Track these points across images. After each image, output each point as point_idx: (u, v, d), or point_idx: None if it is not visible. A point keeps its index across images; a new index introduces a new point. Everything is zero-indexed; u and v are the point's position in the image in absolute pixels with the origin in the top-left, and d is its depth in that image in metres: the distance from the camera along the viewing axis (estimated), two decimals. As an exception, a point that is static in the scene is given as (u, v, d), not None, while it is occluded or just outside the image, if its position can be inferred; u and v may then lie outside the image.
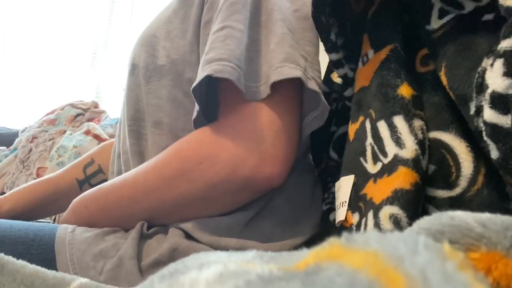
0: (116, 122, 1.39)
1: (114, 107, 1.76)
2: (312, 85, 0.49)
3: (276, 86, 0.48)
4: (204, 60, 0.48)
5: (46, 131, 1.33)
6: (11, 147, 1.35)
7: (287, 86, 0.49)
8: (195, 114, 0.50)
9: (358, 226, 0.42)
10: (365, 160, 0.43)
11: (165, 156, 0.51)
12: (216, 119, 0.52)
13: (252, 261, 0.19)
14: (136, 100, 0.63)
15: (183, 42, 0.59)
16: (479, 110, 0.32)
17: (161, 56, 0.60)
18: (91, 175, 0.80)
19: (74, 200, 0.58)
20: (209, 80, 0.47)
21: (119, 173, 0.68)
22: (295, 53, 0.50)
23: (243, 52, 0.49)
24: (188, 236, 0.50)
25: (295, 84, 0.49)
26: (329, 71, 0.62)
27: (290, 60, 0.49)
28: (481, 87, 0.31)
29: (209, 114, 0.53)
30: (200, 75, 0.47)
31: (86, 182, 0.79)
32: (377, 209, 0.37)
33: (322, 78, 0.62)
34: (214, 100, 0.53)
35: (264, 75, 0.49)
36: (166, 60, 0.60)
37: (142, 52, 0.62)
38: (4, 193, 1.17)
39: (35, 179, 1.19)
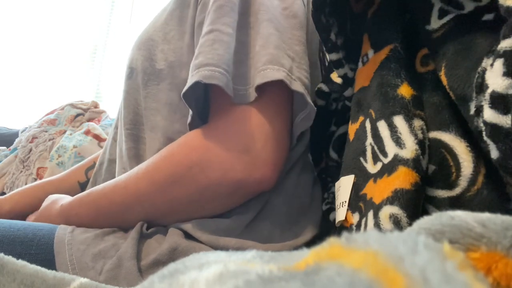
0: (116, 122, 1.39)
1: (114, 107, 1.76)
2: (297, 86, 0.48)
3: (264, 88, 0.48)
4: (193, 65, 0.48)
5: (46, 131, 1.33)
6: (11, 147, 1.35)
7: (274, 88, 0.49)
8: (189, 118, 0.50)
9: (358, 226, 0.42)
10: (365, 160, 0.43)
11: (156, 161, 0.51)
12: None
13: (252, 261, 0.19)
14: (135, 103, 0.63)
15: (181, 44, 0.59)
16: (479, 110, 0.32)
17: (159, 60, 0.60)
18: None
19: (62, 205, 0.57)
20: (200, 83, 0.47)
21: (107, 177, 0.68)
22: (280, 54, 0.50)
23: (231, 56, 0.49)
24: (188, 236, 0.50)
25: (282, 86, 0.49)
26: (329, 71, 0.62)
27: (274, 61, 0.48)
28: (481, 87, 0.31)
29: (205, 116, 0.53)
30: (190, 80, 0.47)
31: (87, 184, 0.79)
32: (377, 209, 0.37)
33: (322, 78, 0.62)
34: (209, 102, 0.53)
35: (252, 78, 0.49)
36: (164, 63, 0.59)
37: (139, 56, 0.62)
38: (4, 193, 1.17)
39: (35, 179, 1.19)
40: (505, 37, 0.29)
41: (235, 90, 0.48)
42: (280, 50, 0.50)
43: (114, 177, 0.65)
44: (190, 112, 0.50)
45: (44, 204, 0.62)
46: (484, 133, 0.30)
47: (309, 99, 0.49)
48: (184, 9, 0.60)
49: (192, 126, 0.51)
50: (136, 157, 0.61)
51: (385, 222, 0.36)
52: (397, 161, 0.37)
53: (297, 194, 0.56)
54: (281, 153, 0.50)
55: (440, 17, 0.38)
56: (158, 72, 0.60)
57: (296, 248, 0.52)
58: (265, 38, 0.51)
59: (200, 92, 0.52)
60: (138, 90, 0.62)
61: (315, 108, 0.50)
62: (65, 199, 0.60)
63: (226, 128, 0.48)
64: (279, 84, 0.48)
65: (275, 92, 0.50)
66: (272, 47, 0.50)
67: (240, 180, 0.47)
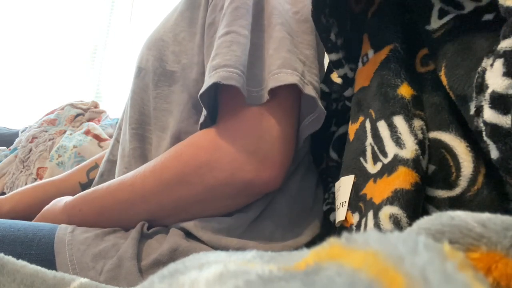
0: (116, 122, 1.39)
1: (114, 107, 1.76)
2: (309, 90, 0.49)
3: (275, 91, 0.48)
4: (211, 66, 0.48)
5: (46, 131, 1.33)
6: (11, 147, 1.35)
7: (285, 91, 0.49)
8: (202, 118, 0.51)
9: (358, 226, 0.42)
10: (365, 160, 0.43)
11: (164, 160, 0.51)
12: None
13: (252, 261, 0.19)
14: (142, 103, 0.63)
15: (192, 45, 0.59)
16: (479, 110, 0.32)
17: (170, 61, 0.60)
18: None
19: (66, 202, 0.57)
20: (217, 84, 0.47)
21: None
22: (292, 57, 0.50)
23: (247, 57, 0.49)
24: (189, 235, 0.50)
25: (293, 89, 0.49)
26: (329, 71, 0.62)
27: (287, 65, 0.49)
28: (481, 87, 0.31)
29: (214, 117, 0.53)
30: (207, 81, 0.47)
31: (89, 185, 0.79)
32: (377, 209, 0.37)
33: (322, 78, 0.62)
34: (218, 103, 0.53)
35: (264, 81, 0.50)
36: (178, 66, 0.60)
37: (149, 56, 0.62)
38: (4, 193, 1.17)
39: (35, 179, 1.19)
40: (505, 37, 0.29)
41: (248, 91, 0.48)
42: (293, 54, 0.51)
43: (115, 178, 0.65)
44: (204, 112, 0.50)
45: (46, 207, 0.62)
46: (484, 133, 0.30)
47: (320, 103, 0.50)
48: (195, 10, 0.61)
49: (203, 126, 0.52)
50: (142, 157, 0.61)
51: (385, 222, 0.36)
52: (397, 161, 0.37)
53: (301, 195, 0.56)
54: (287, 154, 0.50)
55: (440, 17, 0.38)
56: (170, 73, 0.60)
57: (297, 248, 0.52)
58: (278, 41, 0.51)
59: (211, 93, 0.53)
60: (145, 90, 0.62)
61: (325, 112, 0.50)
62: (68, 197, 0.60)
63: (236, 129, 0.49)
64: (289, 88, 0.48)
65: (284, 95, 0.50)
66: (285, 51, 0.50)
67: (248, 181, 0.47)
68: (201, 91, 0.48)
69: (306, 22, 0.57)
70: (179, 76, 0.59)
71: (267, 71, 0.50)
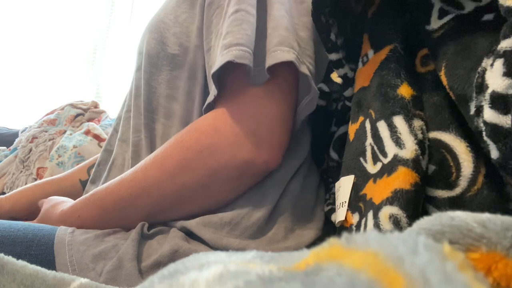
0: (116, 122, 1.39)
1: (114, 107, 1.76)
2: (304, 69, 0.49)
3: (274, 72, 0.48)
4: (223, 44, 0.48)
5: (46, 131, 1.33)
6: (11, 147, 1.35)
7: (284, 72, 0.50)
8: (212, 98, 0.51)
9: (358, 226, 0.42)
10: (365, 160, 0.43)
11: (165, 149, 0.51)
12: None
13: (252, 261, 0.19)
14: (145, 91, 0.62)
15: (192, 27, 0.59)
16: (479, 110, 0.31)
17: (171, 43, 0.60)
18: None
19: (62, 210, 0.56)
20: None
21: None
22: (290, 36, 0.50)
23: (254, 37, 0.49)
24: (189, 236, 0.50)
25: (291, 69, 0.50)
26: (329, 71, 0.62)
27: (285, 43, 0.49)
28: (481, 87, 0.31)
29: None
30: (220, 60, 0.47)
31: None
32: (377, 209, 0.37)
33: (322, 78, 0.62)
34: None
35: (264, 60, 0.50)
36: (179, 49, 0.60)
37: (151, 39, 0.62)
38: (4, 193, 1.17)
39: (35, 179, 1.19)
40: (505, 37, 0.29)
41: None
42: (290, 32, 0.51)
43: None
44: (214, 92, 0.50)
45: (45, 206, 0.62)
46: (484, 133, 0.30)
47: (313, 83, 0.50)
48: None
49: (210, 106, 0.52)
50: (151, 148, 0.61)
51: (385, 223, 0.36)
52: (397, 161, 0.37)
53: (303, 195, 0.56)
54: (285, 135, 0.51)
55: (440, 17, 0.38)
56: (172, 57, 0.60)
57: (298, 250, 0.52)
58: (277, 20, 0.52)
59: (221, 72, 0.53)
60: (149, 76, 0.62)
61: (319, 92, 0.51)
62: (64, 203, 0.60)
63: (235, 111, 0.49)
64: (288, 67, 0.49)
65: (282, 75, 0.51)
66: (283, 29, 0.51)
67: (247, 161, 0.48)
68: (213, 70, 0.48)
69: (302, 3, 0.57)
70: (182, 60, 0.59)
71: (266, 50, 0.50)
